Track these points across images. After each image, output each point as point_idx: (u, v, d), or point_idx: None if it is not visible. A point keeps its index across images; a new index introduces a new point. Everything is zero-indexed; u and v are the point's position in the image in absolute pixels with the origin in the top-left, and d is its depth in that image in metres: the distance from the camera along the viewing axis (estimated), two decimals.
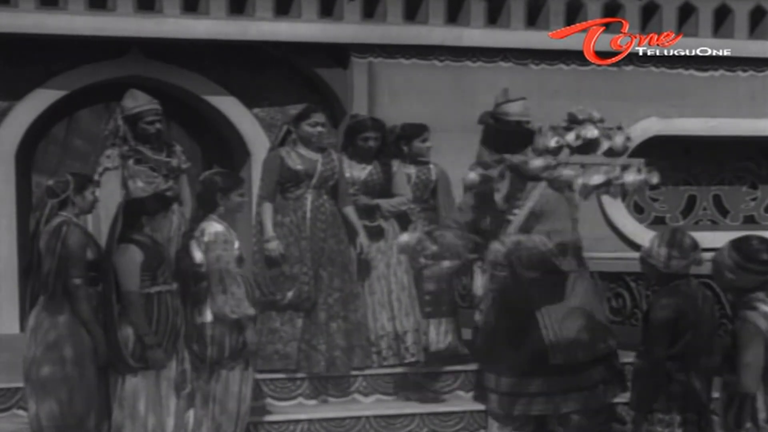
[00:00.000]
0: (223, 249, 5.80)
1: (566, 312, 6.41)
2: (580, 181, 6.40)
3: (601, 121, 6.59)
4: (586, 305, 6.53)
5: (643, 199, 10.66)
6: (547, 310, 6.38)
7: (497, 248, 6.31)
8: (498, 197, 6.53)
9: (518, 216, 6.43)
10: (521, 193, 6.49)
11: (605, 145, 6.61)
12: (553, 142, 6.58)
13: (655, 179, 6.43)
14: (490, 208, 6.58)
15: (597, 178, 6.33)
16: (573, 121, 6.75)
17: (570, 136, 6.69)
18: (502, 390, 6.48)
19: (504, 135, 6.67)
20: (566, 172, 6.40)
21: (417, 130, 7.32)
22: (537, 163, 6.41)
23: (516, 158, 6.53)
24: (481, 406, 6.76)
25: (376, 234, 7.06)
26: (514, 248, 6.27)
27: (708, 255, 5.43)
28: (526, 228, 6.39)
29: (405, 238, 6.56)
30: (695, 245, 5.22)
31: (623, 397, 6.40)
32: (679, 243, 5.18)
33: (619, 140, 6.63)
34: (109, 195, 6.84)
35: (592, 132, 6.56)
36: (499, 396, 6.50)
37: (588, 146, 6.66)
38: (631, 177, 6.34)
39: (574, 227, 6.60)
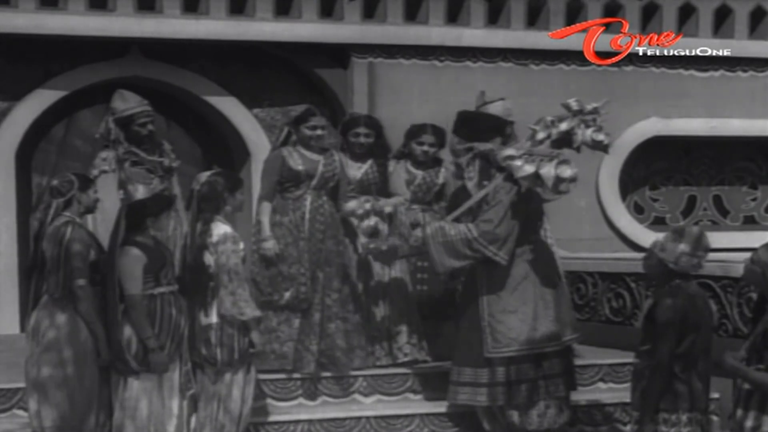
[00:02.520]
0: (232, 250, 5.79)
1: (506, 305, 6.32)
2: (518, 172, 6.31)
3: (594, 112, 6.52)
4: (534, 301, 6.35)
5: (643, 199, 10.66)
6: (489, 300, 6.32)
7: (417, 234, 6.29)
8: (470, 185, 6.49)
9: (468, 202, 6.36)
10: (489, 181, 6.42)
11: (579, 137, 6.52)
12: (541, 135, 6.56)
13: (566, 173, 6.21)
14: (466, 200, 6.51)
15: (527, 169, 6.22)
16: (570, 112, 6.70)
17: (554, 129, 6.66)
18: (456, 380, 6.45)
19: (474, 124, 6.61)
20: (515, 163, 6.30)
21: (414, 131, 7.29)
22: (504, 152, 6.33)
23: (484, 146, 6.45)
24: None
25: (371, 234, 7.04)
26: (435, 234, 6.24)
27: (710, 255, 5.44)
28: (476, 215, 6.32)
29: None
30: (708, 247, 5.22)
31: (626, 397, 6.39)
32: (695, 242, 5.18)
33: (587, 133, 6.49)
34: (105, 197, 6.82)
35: (563, 125, 6.50)
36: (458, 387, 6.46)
37: (565, 138, 6.60)
38: (544, 169, 6.21)
39: (529, 223, 6.42)
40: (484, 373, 6.33)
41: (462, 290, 6.67)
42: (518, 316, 6.30)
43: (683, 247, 5.17)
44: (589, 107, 6.45)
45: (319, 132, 6.87)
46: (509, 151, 6.28)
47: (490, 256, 6.22)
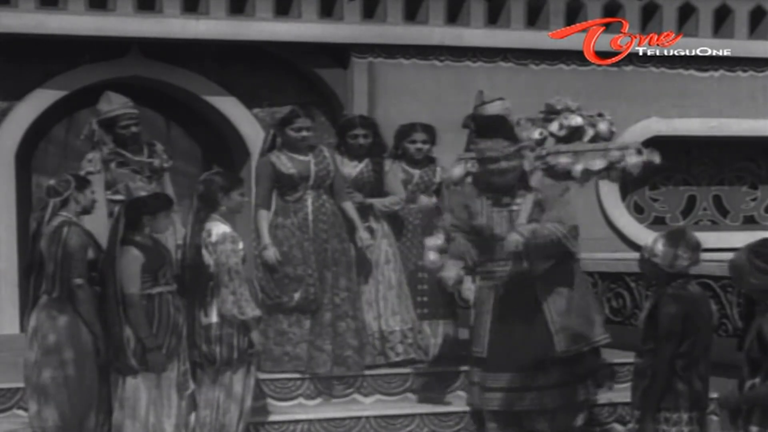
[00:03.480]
0: (231, 249, 5.79)
1: (569, 303, 6.39)
2: (579, 167, 6.43)
3: (578, 110, 6.70)
4: (585, 297, 6.54)
5: (643, 199, 10.66)
6: (552, 301, 6.34)
7: (516, 239, 6.15)
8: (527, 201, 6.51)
9: (524, 206, 6.33)
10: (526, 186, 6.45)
11: (590, 132, 6.73)
12: (536, 134, 6.63)
13: (657, 159, 6.56)
14: (483, 204, 6.46)
15: (599, 163, 6.42)
16: (551, 112, 6.83)
17: (553, 126, 6.75)
18: (505, 386, 6.37)
19: (492, 127, 6.62)
20: (563, 160, 6.39)
21: (405, 131, 7.30)
22: (539, 152, 6.51)
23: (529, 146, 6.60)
24: (480, 407, 6.76)
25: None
26: (531, 237, 6.19)
27: (710, 255, 5.44)
28: (531, 218, 6.32)
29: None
30: (699, 244, 5.21)
31: (625, 397, 6.39)
32: (685, 242, 5.18)
33: (604, 126, 6.76)
34: None
35: (575, 120, 6.63)
36: (503, 393, 6.38)
37: (573, 134, 6.71)
38: (633, 159, 6.43)
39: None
40: (545, 374, 6.33)
41: (508, 294, 6.42)
42: (582, 312, 6.44)
43: (671, 249, 5.16)
44: (573, 104, 6.70)
45: (304, 133, 6.83)
46: (545, 150, 6.54)
47: (572, 252, 6.32)
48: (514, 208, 6.34)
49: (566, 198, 6.40)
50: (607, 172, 6.63)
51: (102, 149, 7.14)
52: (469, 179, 6.84)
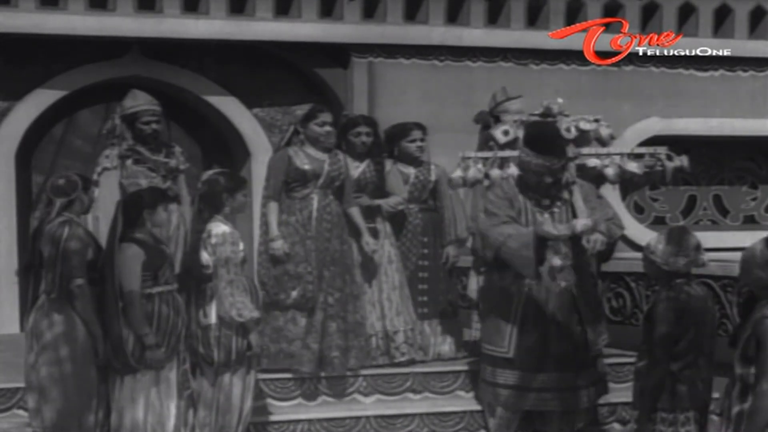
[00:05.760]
0: (231, 251, 5.78)
1: (595, 300, 6.51)
2: (612, 170, 6.68)
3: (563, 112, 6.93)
4: (598, 294, 6.64)
5: (643, 198, 10.66)
6: (579, 295, 6.32)
7: (599, 238, 6.09)
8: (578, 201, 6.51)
9: (580, 207, 6.27)
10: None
11: (595, 134, 6.93)
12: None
13: (687, 164, 6.88)
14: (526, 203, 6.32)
15: (634, 167, 6.64)
16: (548, 114, 6.87)
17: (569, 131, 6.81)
18: (554, 386, 6.28)
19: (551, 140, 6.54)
20: (593, 161, 6.61)
21: (401, 130, 7.30)
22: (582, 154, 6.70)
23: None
24: (480, 406, 6.76)
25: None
26: (609, 236, 6.19)
27: (710, 255, 5.43)
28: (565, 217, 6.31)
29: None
30: (698, 245, 5.20)
31: (625, 397, 6.39)
32: (681, 241, 5.17)
33: (605, 132, 6.89)
34: (107, 195, 6.82)
35: (589, 124, 6.67)
36: (552, 393, 6.29)
37: (581, 138, 6.74)
38: (673, 163, 6.70)
39: None
40: (580, 374, 6.30)
41: (546, 293, 6.28)
42: (600, 308, 6.61)
43: (669, 248, 5.16)
44: (556, 107, 6.95)
45: (328, 128, 6.86)
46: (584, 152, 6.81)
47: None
48: (555, 210, 6.29)
49: (605, 200, 6.45)
50: (641, 176, 6.73)
51: (121, 144, 7.16)
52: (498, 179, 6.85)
